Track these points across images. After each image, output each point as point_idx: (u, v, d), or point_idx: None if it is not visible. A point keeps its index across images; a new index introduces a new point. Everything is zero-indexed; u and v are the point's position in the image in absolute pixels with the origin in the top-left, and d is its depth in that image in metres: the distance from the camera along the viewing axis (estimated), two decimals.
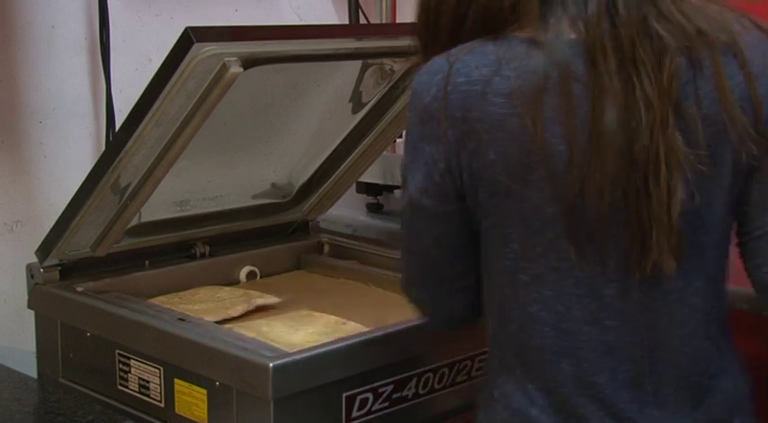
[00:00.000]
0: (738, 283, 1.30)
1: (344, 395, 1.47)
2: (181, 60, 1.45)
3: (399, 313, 1.68)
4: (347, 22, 2.45)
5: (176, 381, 1.52)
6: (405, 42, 1.25)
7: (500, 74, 1.11)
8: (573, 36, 1.11)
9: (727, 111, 1.13)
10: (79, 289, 1.73)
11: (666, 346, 1.19)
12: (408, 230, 1.25)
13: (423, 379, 1.57)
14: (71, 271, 1.78)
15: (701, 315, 1.21)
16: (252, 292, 1.83)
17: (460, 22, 1.18)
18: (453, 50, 1.15)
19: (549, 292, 1.16)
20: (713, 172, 1.14)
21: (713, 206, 1.18)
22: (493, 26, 1.15)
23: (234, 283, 1.93)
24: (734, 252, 1.27)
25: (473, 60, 1.12)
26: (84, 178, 1.65)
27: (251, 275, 1.96)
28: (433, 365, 1.58)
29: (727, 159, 1.15)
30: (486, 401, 1.25)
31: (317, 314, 1.71)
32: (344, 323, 1.65)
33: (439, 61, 1.15)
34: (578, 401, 1.18)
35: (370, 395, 1.50)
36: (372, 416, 1.51)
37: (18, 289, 1.85)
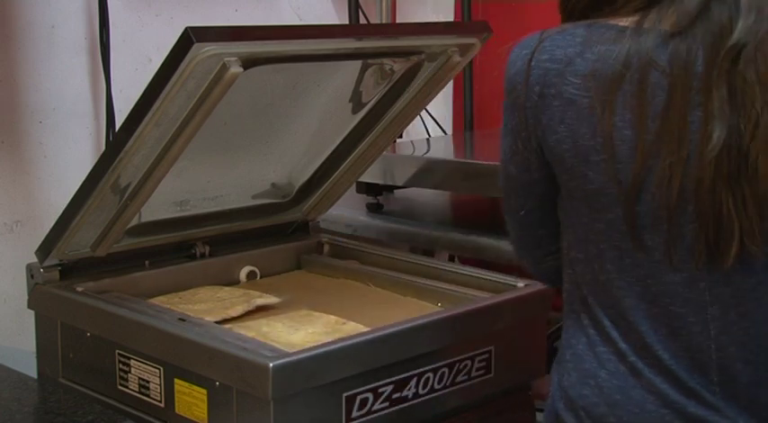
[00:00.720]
0: None
1: (344, 395, 1.47)
2: (181, 60, 1.45)
3: (399, 313, 1.69)
4: (347, 22, 2.46)
5: (176, 381, 1.52)
6: (405, 42, 1.26)
7: (583, 56, 1.15)
8: (668, 27, 1.13)
9: None
10: (79, 289, 1.73)
11: (735, 342, 1.19)
12: (505, 194, 1.31)
13: (423, 379, 1.57)
14: (71, 271, 1.78)
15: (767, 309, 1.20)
16: (252, 292, 1.83)
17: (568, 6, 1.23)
18: (549, 29, 1.20)
19: (610, 266, 1.19)
20: None
21: None
22: (599, 9, 1.19)
23: (234, 283, 1.93)
24: None
25: (561, 40, 1.17)
26: (84, 178, 1.65)
27: (251, 275, 1.96)
28: (433, 365, 1.58)
29: None
30: (558, 362, 1.27)
31: (317, 314, 1.71)
32: (344, 323, 1.65)
33: (532, 37, 1.20)
34: (649, 370, 1.19)
35: (370, 395, 1.50)
36: (372, 416, 1.51)
37: (18, 289, 1.85)
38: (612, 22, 1.16)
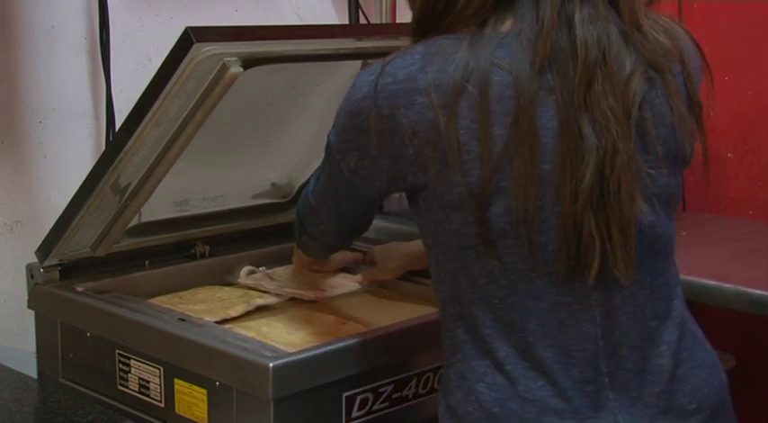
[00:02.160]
0: None
1: (344, 395, 1.47)
2: (181, 60, 1.45)
3: (399, 313, 1.69)
4: (347, 22, 2.45)
5: (176, 381, 1.52)
6: (405, 42, 1.26)
7: (424, 71, 1.15)
8: (507, 29, 1.14)
9: (679, 118, 1.17)
10: (79, 289, 1.73)
11: (620, 325, 1.19)
12: (332, 194, 1.35)
13: (423, 379, 1.57)
14: (71, 271, 1.78)
15: (648, 292, 1.21)
16: (252, 292, 1.84)
17: (418, 19, 1.24)
18: (392, 54, 1.21)
19: (492, 267, 1.17)
20: (668, 179, 1.18)
21: (668, 219, 1.20)
22: (435, 26, 1.21)
23: (234, 283, 1.93)
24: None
25: (401, 61, 1.18)
26: (84, 178, 1.65)
27: (250, 276, 1.96)
28: (433, 365, 1.58)
29: (678, 161, 1.19)
30: (443, 382, 1.27)
31: (317, 314, 1.71)
32: (344, 323, 1.65)
33: (376, 64, 1.22)
34: (527, 375, 1.18)
35: (370, 395, 1.50)
36: (372, 416, 1.51)
37: (18, 289, 1.85)
38: (450, 34, 1.17)
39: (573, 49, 1.12)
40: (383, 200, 1.39)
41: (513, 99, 1.11)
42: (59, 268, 1.77)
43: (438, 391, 1.28)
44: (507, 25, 1.15)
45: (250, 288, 1.87)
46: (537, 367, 1.18)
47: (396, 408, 1.54)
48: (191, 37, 1.42)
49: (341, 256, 1.88)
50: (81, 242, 1.74)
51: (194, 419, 1.50)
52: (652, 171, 1.15)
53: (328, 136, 1.29)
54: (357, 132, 1.22)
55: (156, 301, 1.77)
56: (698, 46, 1.25)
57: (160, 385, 1.55)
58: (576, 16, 1.12)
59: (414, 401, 1.56)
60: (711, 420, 1.24)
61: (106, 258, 1.79)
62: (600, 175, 1.11)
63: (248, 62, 1.51)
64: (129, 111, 1.56)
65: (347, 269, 1.93)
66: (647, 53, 1.15)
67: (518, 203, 1.12)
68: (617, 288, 1.18)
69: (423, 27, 1.22)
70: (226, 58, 1.46)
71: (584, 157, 1.11)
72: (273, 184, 2.02)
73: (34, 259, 1.76)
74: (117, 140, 1.60)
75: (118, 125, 1.90)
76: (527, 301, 1.17)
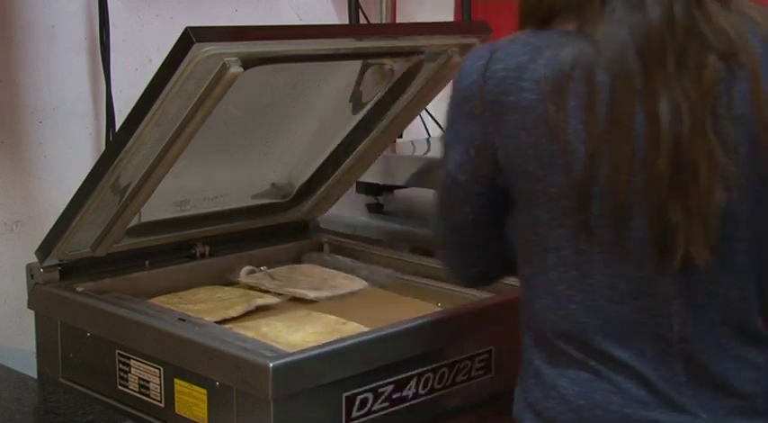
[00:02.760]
0: None
1: (344, 395, 1.47)
2: (181, 60, 1.45)
3: (399, 313, 1.69)
4: (347, 22, 2.45)
5: (176, 381, 1.52)
6: (405, 42, 1.27)
7: (535, 62, 1.17)
8: (611, 29, 1.15)
9: (760, 111, 1.16)
10: (79, 289, 1.73)
11: (697, 334, 1.21)
12: (444, 202, 1.33)
13: (423, 379, 1.57)
14: (71, 271, 1.78)
15: (728, 303, 1.22)
16: (252, 292, 1.84)
17: (523, 11, 1.26)
18: (499, 40, 1.23)
19: (575, 272, 1.20)
20: (744, 171, 1.17)
21: (744, 203, 1.20)
22: (546, 16, 1.22)
23: (234, 283, 1.93)
24: None
25: (512, 49, 1.20)
26: (84, 178, 1.65)
27: (251, 275, 1.96)
28: (433, 365, 1.58)
29: (758, 159, 1.18)
30: (522, 379, 1.29)
31: (317, 314, 1.71)
32: (344, 323, 1.65)
33: (483, 48, 1.23)
34: (611, 370, 1.20)
35: (370, 395, 1.50)
36: (372, 416, 1.51)
37: (18, 289, 1.85)
38: (558, 28, 1.19)
39: (671, 31, 1.13)
40: (495, 206, 1.30)
41: (609, 92, 1.14)
42: (59, 268, 1.77)
43: (516, 388, 1.30)
44: (607, 23, 1.16)
45: (250, 288, 1.87)
46: (621, 364, 1.20)
47: (396, 408, 1.54)
48: (191, 37, 1.42)
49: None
50: (81, 242, 1.74)
51: (194, 419, 1.50)
52: (728, 159, 1.15)
53: (443, 137, 1.29)
54: (467, 121, 1.23)
55: (156, 301, 1.77)
56: None
57: (160, 385, 1.55)
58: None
59: (414, 401, 1.56)
60: None
61: (106, 258, 1.79)
62: (678, 159, 1.13)
63: (248, 62, 1.51)
64: (129, 111, 1.56)
65: None
66: (728, 40, 1.16)
67: (609, 189, 1.15)
68: (695, 297, 1.20)
69: (527, 18, 1.24)
70: (226, 58, 1.46)
71: (673, 137, 1.13)
72: (273, 184, 2.02)
73: (34, 259, 1.76)
74: (117, 140, 1.60)
75: (118, 125, 1.90)
76: (607, 305, 1.20)
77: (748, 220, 1.22)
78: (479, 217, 1.31)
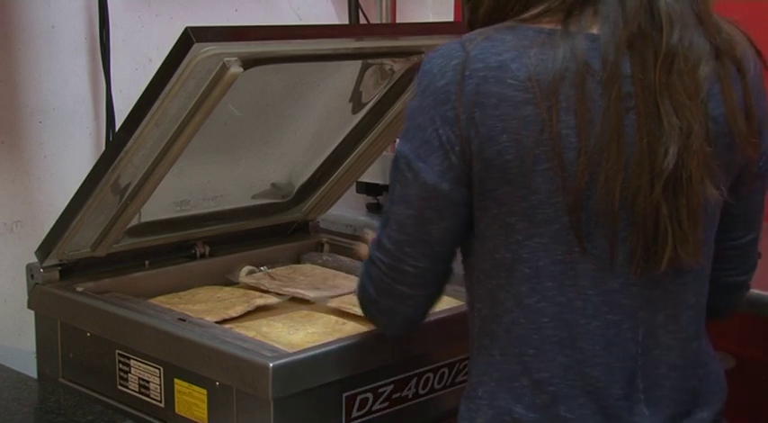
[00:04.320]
0: None
1: (344, 395, 1.47)
2: (181, 60, 1.45)
3: None
4: (347, 22, 2.46)
5: (176, 381, 1.52)
6: (405, 42, 1.26)
7: (519, 61, 1.11)
8: (595, 31, 1.13)
9: (732, 114, 1.16)
10: (79, 289, 1.73)
11: (661, 344, 1.20)
12: (416, 220, 1.19)
13: (423, 379, 1.57)
14: (71, 271, 1.78)
15: (691, 312, 1.22)
16: (252, 292, 1.84)
17: (478, 4, 1.21)
18: (467, 36, 1.16)
19: (550, 284, 1.16)
20: (721, 173, 1.17)
21: (717, 206, 1.20)
22: (506, 13, 1.18)
23: (234, 283, 1.93)
24: None
25: (491, 46, 1.13)
26: (84, 178, 1.65)
27: (251, 275, 1.96)
28: (433, 365, 1.58)
29: (725, 160, 1.18)
30: (470, 399, 1.25)
31: (317, 314, 1.71)
32: (344, 323, 1.65)
33: (453, 46, 1.15)
34: (569, 394, 1.18)
35: (370, 395, 1.50)
36: (372, 416, 1.51)
37: (18, 289, 1.85)
38: (536, 25, 1.15)
39: (655, 27, 1.12)
40: (469, 218, 1.20)
41: (601, 98, 1.11)
42: (59, 268, 1.77)
43: (461, 407, 1.27)
44: (593, 24, 1.13)
45: (250, 288, 1.87)
46: (581, 385, 1.18)
47: (396, 408, 1.54)
48: (191, 37, 1.42)
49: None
50: (81, 242, 1.74)
51: (194, 419, 1.50)
52: (716, 161, 1.15)
53: (398, 151, 1.18)
54: (441, 125, 1.14)
55: (156, 301, 1.77)
56: (760, 56, 1.23)
57: (160, 385, 1.55)
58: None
59: (414, 401, 1.56)
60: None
61: (106, 258, 1.79)
62: (678, 158, 1.12)
63: (248, 62, 1.51)
64: (129, 111, 1.56)
65: None
66: (716, 43, 1.16)
67: (604, 196, 1.12)
68: (661, 307, 1.19)
69: (496, 14, 1.18)
70: (226, 58, 1.46)
71: (666, 139, 1.11)
72: (273, 184, 2.02)
73: (34, 259, 1.76)
74: (117, 140, 1.60)
75: (118, 125, 1.90)
76: (580, 319, 1.17)
77: (715, 224, 1.23)
78: (457, 232, 1.20)
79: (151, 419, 1.57)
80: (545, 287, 1.16)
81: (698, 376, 1.24)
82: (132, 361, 1.59)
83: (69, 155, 2.03)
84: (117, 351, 1.62)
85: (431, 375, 1.58)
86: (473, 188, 1.16)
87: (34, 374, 1.77)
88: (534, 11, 1.16)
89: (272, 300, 1.77)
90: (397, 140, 2.26)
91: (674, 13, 1.12)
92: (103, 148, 2.02)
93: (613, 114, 1.10)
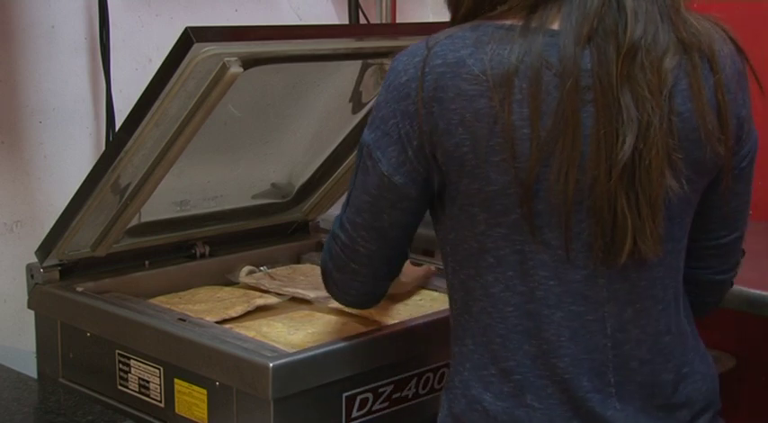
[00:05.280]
0: None
1: (344, 395, 1.47)
2: (181, 60, 1.45)
3: (399, 313, 1.69)
4: (347, 22, 2.46)
5: (176, 381, 1.52)
6: (405, 42, 1.26)
7: (475, 56, 1.14)
8: (555, 27, 1.14)
9: (700, 110, 1.17)
10: (79, 289, 1.73)
11: (631, 339, 1.20)
12: (371, 207, 1.24)
13: (423, 379, 1.57)
14: (71, 271, 1.78)
15: (661, 307, 1.22)
16: (252, 292, 1.84)
17: (458, 6, 1.23)
18: (433, 36, 1.19)
19: (511, 273, 1.18)
20: (685, 167, 1.17)
21: (683, 201, 1.20)
22: (479, 13, 1.20)
23: (234, 283, 1.93)
24: None
25: (450, 44, 1.16)
26: (84, 178, 1.65)
27: (251, 275, 1.96)
28: (433, 365, 1.58)
29: (694, 157, 1.18)
30: (448, 389, 1.27)
31: (317, 314, 1.71)
32: (344, 323, 1.65)
33: (419, 45, 1.19)
34: (537, 384, 1.18)
35: (370, 395, 1.50)
36: (372, 416, 1.51)
37: (18, 289, 1.85)
38: (498, 22, 1.17)
39: (619, 21, 1.13)
40: (423, 210, 1.26)
41: (557, 90, 1.12)
42: (59, 268, 1.77)
43: (442, 397, 1.28)
44: (553, 23, 1.15)
45: (250, 288, 1.87)
46: (549, 375, 1.18)
47: (396, 408, 1.54)
48: (191, 37, 1.42)
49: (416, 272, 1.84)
50: (81, 242, 1.74)
51: (194, 419, 1.50)
52: (678, 154, 1.15)
53: (362, 139, 1.23)
54: (401, 119, 1.18)
55: (156, 301, 1.77)
56: (740, 53, 1.23)
57: (160, 385, 1.55)
58: None
59: (414, 401, 1.57)
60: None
61: (106, 258, 1.79)
62: (635, 149, 1.12)
63: (248, 62, 1.51)
64: (129, 111, 1.56)
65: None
66: (682, 38, 1.16)
67: (558, 187, 1.13)
68: (629, 301, 1.19)
69: (472, 15, 1.21)
70: (226, 58, 1.46)
71: (624, 129, 1.12)
72: (273, 184, 2.02)
73: (34, 259, 1.76)
74: (117, 140, 1.60)
75: (118, 125, 1.90)
76: (543, 309, 1.18)
77: (686, 219, 1.23)
78: (409, 222, 1.26)
79: (151, 419, 1.57)
80: (507, 276, 1.18)
81: (674, 371, 1.23)
82: (132, 361, 1.59)
83: (69, 155, 2.03)
84: (117, 351, 1.62)
85: (431, 375, 1.58)
86: (440, 180, 1.19)
87: (34, 374, 1.77)
88: (499, 9, 1.18)
89: (272, 300, 1.77)
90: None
91: (638, 8, 1.13)
92: (103, 148, 2.02)
93: (568, 106, 1.11)
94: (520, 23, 1.15)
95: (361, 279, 1.33)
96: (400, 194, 1.22)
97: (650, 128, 1.12)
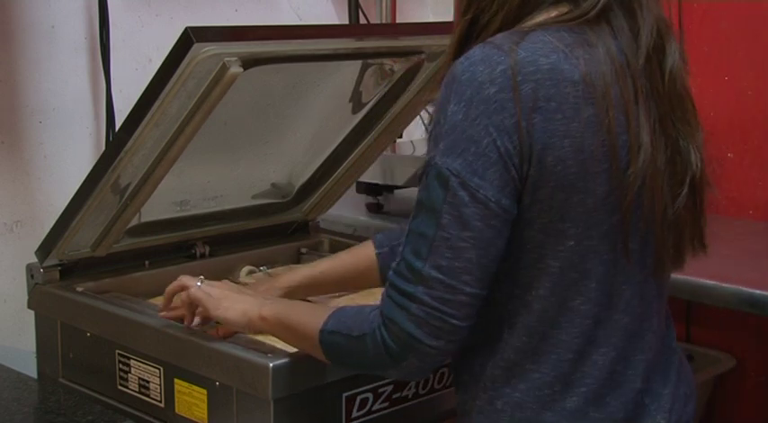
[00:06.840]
0: None
1: (344, 395, 1.47)
2: (181, 60, 1.45)
3: None
4: (347, 22, 2.46)
5: (176, 381, 1.52)
6: (405, 42, 1.25)
7: (569, 62, 1.09)
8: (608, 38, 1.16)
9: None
10: (79, 289, 1.73)
11: (655, 341, 1.24)
12: (475, 245, 1.10)
13: (423, 379, 1.57)
14: (71, 271, 1.78)
15: (663, 304, 1.28)
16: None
17: (493, 14, 1.18)
18: (498, 41, 1.11)
19: (594, 285, 1.16)
20: None
21: None
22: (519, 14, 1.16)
23: (234, 283, 1.93)
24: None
25: (536, 48, 1.10)
26: (84, 178, 1.65)
27: (251, 275, 1.96)
28: None
29: None
30: (485, 412, 1.22)
31: None
32: None
33: (490, 51, 1.09)
34: (598, 393, 1.19)
35: (370, 395, 1.50)
36: (372, 416, 1.51)
37: (18, 289, 1.85)
38: (558, 26, 1.14)
39: (660, 46, 1.16)
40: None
41: (636, 96, 1.14)
42: (59, 268, 1.77)
43: (470, 416, 1.24)
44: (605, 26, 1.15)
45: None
46: (609, 384, 1.19)
47: (396, 408, 1.54)
48: (191, 37, 1.42)
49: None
50: (81, 242, 1.74)
51: (194, 419, 1.50)
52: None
53: (441, 169, 1.08)
54: (498, 136, 1.07)
55: (155, 301, 1.76)
56: None
57: (160, 385, 1.55)
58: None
59: (414, 401, 1.56)
60: None
61: (106, 258, 1.79)
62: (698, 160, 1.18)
63: (248, 62, 1.51)
64: (129, 111, 1.56)
65: None
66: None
67: (651, 195, 1.14)
68: (662, 295, 1.25)
69: (507, 24, 1.16)
70: (226, 58, 1.46)
71: (686, 144, 1.16)
72: (273, 184, 2.02)
73: (34, 259, 1.76)
74: (117, 140, 1.60)
75: (118, 125, 1.90)
76: (615, 314, 1.19)
77: None
78: (502, 245, 1.12)
79: (151, 419, 1.57)
80: (589, 289, 1.16)
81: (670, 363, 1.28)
82: (132, 361, 1.59)
83: (69, 155, 2.03)
84: (117, 351, 1.62)
85: (431, 375, 1.58)
86: (522, 200, 1.12)
87: (34, 374, 1.77)
88: (539, 18, 1.15)
89: None
90: (398, 140, 2.27)
91: (668, 34, 1.16)
92: (103, 148, 2.02)
93: (645, 114, 1.14)
94: (585, 27, 1.13)
95: (458, 337, 1.14)
96: (506, 219, 1.10)
97: (699, 145, 1.20)
